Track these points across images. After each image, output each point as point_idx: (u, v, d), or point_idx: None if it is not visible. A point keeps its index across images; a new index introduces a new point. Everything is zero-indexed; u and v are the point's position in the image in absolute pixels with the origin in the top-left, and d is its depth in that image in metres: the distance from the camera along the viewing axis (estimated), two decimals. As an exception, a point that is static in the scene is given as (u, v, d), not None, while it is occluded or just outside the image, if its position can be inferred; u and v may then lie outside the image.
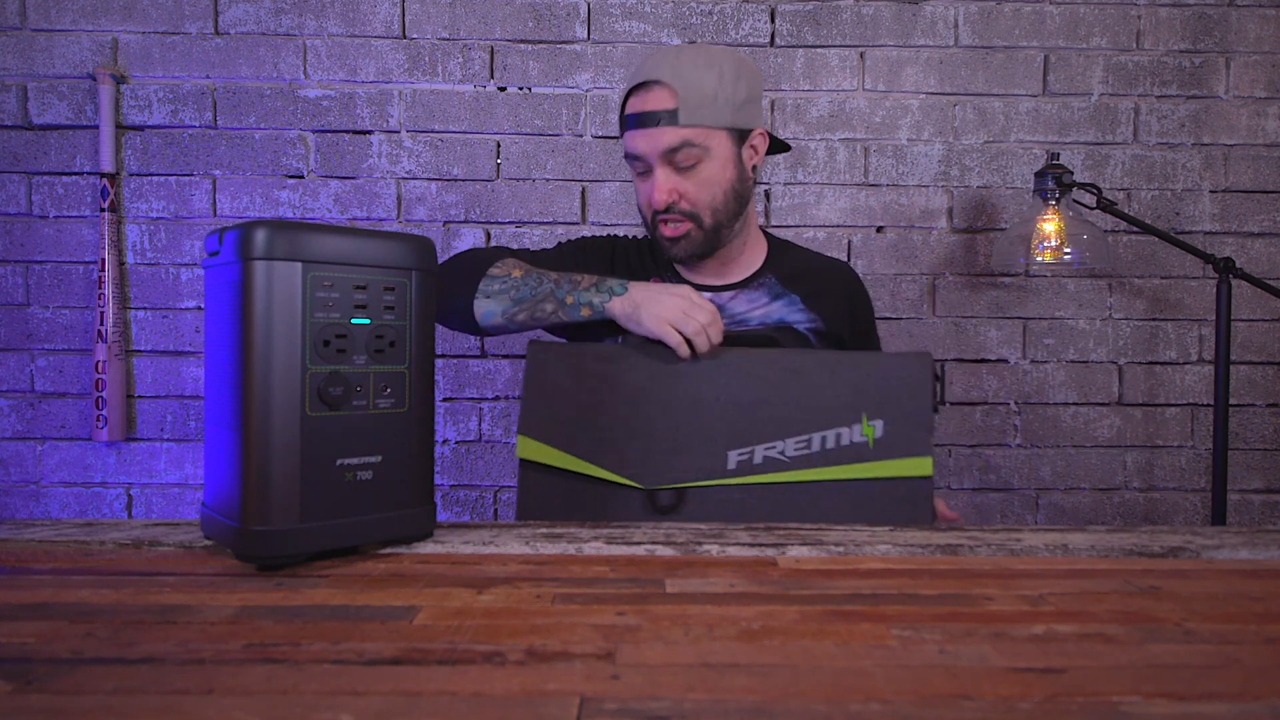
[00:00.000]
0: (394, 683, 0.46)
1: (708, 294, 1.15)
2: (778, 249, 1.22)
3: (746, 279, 1.17)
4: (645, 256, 1.23)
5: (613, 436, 0.97)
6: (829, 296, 1.16)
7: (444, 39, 1.82)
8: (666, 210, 1.08)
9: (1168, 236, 1.63)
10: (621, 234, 1.29)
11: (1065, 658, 0.50)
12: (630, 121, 1.07)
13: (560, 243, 1.24)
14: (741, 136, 1.10)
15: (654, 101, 1.04)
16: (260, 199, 1.82)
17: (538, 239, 1.83)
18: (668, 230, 1.10)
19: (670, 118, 1.03)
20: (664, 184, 1.06)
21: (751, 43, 1.83)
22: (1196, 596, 0.63)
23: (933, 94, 1.85)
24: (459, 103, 1.82)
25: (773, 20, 1.84)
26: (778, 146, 1.20)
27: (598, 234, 1.28)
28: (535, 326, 1.10)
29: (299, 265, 0.67)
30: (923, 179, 1.85)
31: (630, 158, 1.10)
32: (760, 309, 1.14)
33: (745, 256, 1.18)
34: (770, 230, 1.86)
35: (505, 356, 1.85)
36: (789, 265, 1.19)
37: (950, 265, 1.86)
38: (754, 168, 1.14)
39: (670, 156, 1.06)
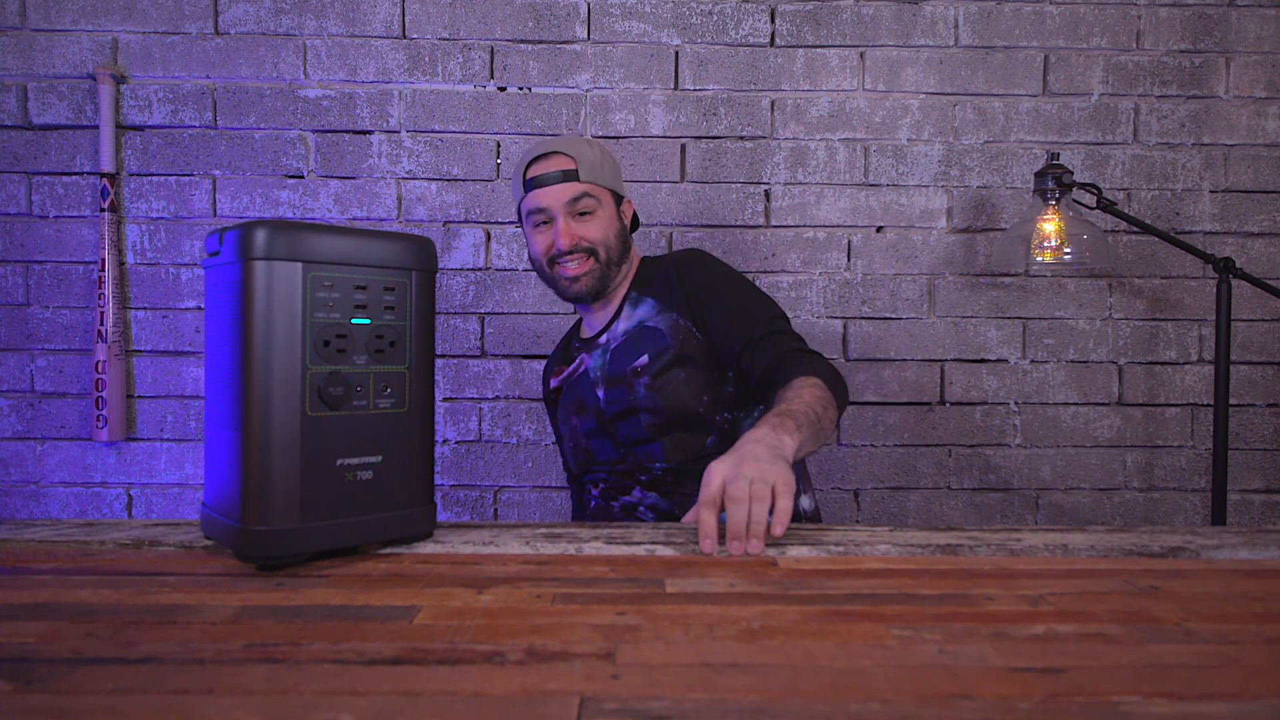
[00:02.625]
0: (394, 683, 0.46)
1: (600, 338, 1.32)
2: (641, 268, 1.37)
3: (618, 308, 1.34)
4: (560, 350, 1.46)
5: None
6: (662, 281, 1.31)
7: (444, 39, 1.82)
8: (570, 251, 1.26)
9: (1168, 236, 1.63)
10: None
11: (1065, 658, 0.50)
12: (535, 182, 1.27)
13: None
14: (618, 200, 1.33)
15: (556, 164, 1.27)
16: (260, 199, 1.82)
17: (538, 239, 1.83)
18: (568, 270, 1.27)
19: (571, 175, 1.26)
20: (566, 229, 1.26)
21: (751, 43, 1.84)
22: (1196, 596, 0.63)
23: (933, 94, 1.85)
24: (459, 103, 1.82)
25: (773, 20, 1.84)
26: (634, 224, 1.42)
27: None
28: None
29: (299, 265, 0.67)
30: (923, 179, 1.85)
31: (532, 213, 1.29)
32: (625, 323, 1.31)
33: (620, 291, 1.35)
34: (770, 230, 1.86)
35: (505, 356, 1.85)
36: (644, 276, 1.34)
37: (950, 265, 1.86)
38: (626, 228, 1.35)
39: (572, 206, 1.26)
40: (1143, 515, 1.87)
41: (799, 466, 1.31)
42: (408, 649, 0.50)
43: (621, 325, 1.32)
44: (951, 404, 1.86)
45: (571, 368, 1.38)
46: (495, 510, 1.86)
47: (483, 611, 0.58)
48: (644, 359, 1.25)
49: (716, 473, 0.83)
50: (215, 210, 1.82)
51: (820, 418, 1.04)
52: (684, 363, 1.24)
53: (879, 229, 1.86)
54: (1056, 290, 1.86)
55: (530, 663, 0.48)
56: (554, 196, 1.26)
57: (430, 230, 1.82)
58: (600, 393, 1.29)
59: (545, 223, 1.29)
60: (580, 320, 1.45)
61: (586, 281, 1.28)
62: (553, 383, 1.44)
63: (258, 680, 0.46)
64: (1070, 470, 1.87)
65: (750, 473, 0.81)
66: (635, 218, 1.43)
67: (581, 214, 1.28)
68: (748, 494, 0.79)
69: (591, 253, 1.28)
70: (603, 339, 1.33)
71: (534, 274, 1.84)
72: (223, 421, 0.68)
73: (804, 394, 1.06)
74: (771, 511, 0.79)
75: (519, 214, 1.33)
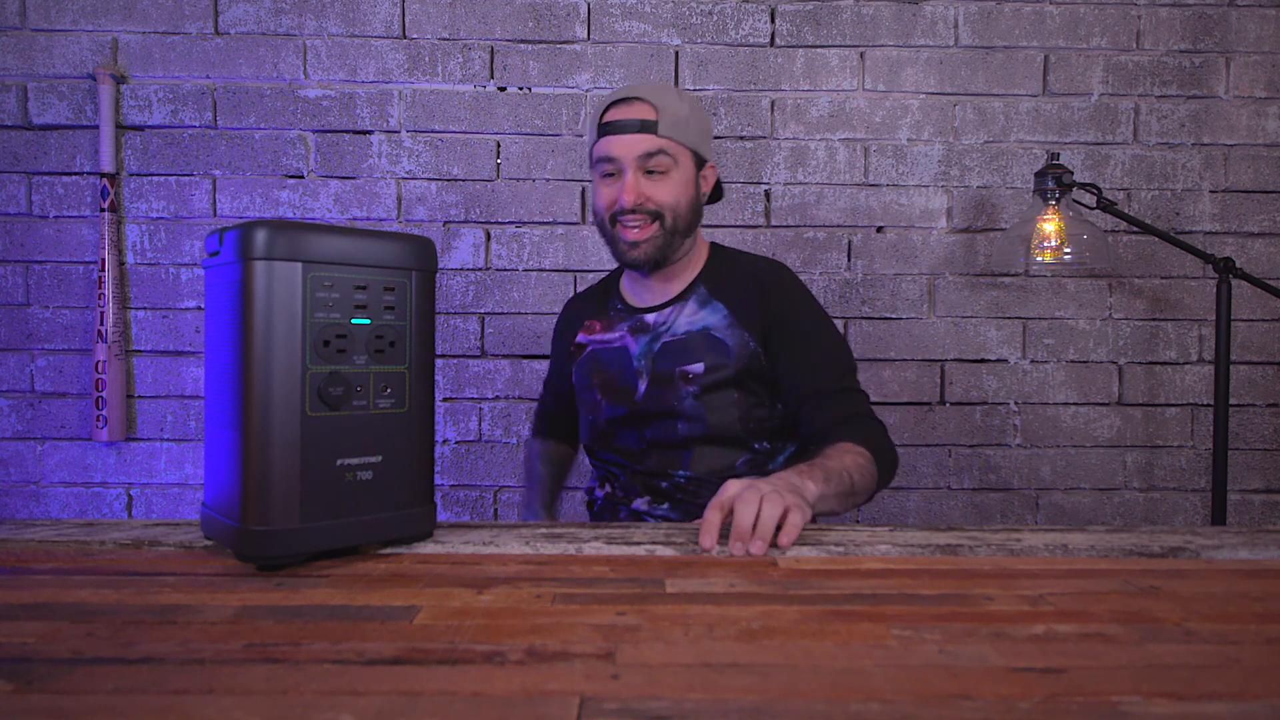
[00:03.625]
0: (394, 683, 0.46)
1: (651, 315, 1.23)
2: (715, 259, 1.27)
3: (681, 293, 1.24)
4: (594, 299, 1.35)
5: None
6: (742, 291, 1.21)
7: (444, 39, 1.82)
8: (633, 211, 1.15)
9: (1168, 236, 1.63)
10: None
11: (1065, 658, 0.50)
12: (609, 127, 1.16)
13: (550, 360, 1.45)
14: (700, 163, 1.21)
15: (636, 112, 1.15)
16: (260, 199, 1.82)
17: (538, 238, 1.83)
18: (629, 234, 1.17)
19: (650, 127, 1.14)
20: (634, 186, 1.15)
21: (751, 43, 1.83)
22: (1196, 596, 0.63)
23: (933, 94, 1.85)
24: (459, 103, 1.82)
25: (773, 20, 1.84)
26: (717, 194, 1.31)
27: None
28: None
29: (299, 265, 0.67)
30: (923, 179, 1.85)
31: (601, 161, 1.17)
32: (688, 318, 1.21)
33: (684, 274, 1.25)
34: (770, 230, 1.85)
35: (505, 356, 1.85)
36: (720, 273, 1.25)
37: (950, 265, 1.86)
38: (704, 195, 1.25)
39: (644, 161, 1.15)
40: (1143, 515, 1.87)
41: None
42: (408, 649, 0.50)
43: (684, 320, 1.21)
44: (951, 404, 1.86)
45: (609, 337, 1.27)
46: (495, 510, 1.86)
47: (483, 611, 0.58)
48: (699, 367, 1.17)
49: (733, 484, 0.83)
50: (215, 210, 1.82)
51: (854, 483, 1.00)
52: (740, 385, 1.17)
53: (879, 229, 1.86)
54: (1056, 290, 1.86)
55: (530, 663, 0.48)
56: (626, 147, 1.14)
57: (430, 230, 1.82)
58: (641, 385, 1.20)
59: (613, 174, 1.17)
60: (621, 272, 1.33)
61: (646, 249, 1.17)
62: (580, 338, 1.31)
63: (258, 680, 0.46)
64: (1070, 470, 1.87)
65: (766, 489, 0.81)
66: (719, 187, 1.30)
67: (653, 172, 1.15)
68: (759, 501, 0.79)
69: (657, 217, 1.16)
70: (652, 319, 1.23)
71: (534, 274, 1.84)
72: (223, 421, 0.68)
73: (845, 458, 1.02)
74: (781, 525, 0.79)
75: (590, 159, 1.22)
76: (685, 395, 1.17)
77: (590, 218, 1.83)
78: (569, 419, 1.43)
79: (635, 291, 1.29)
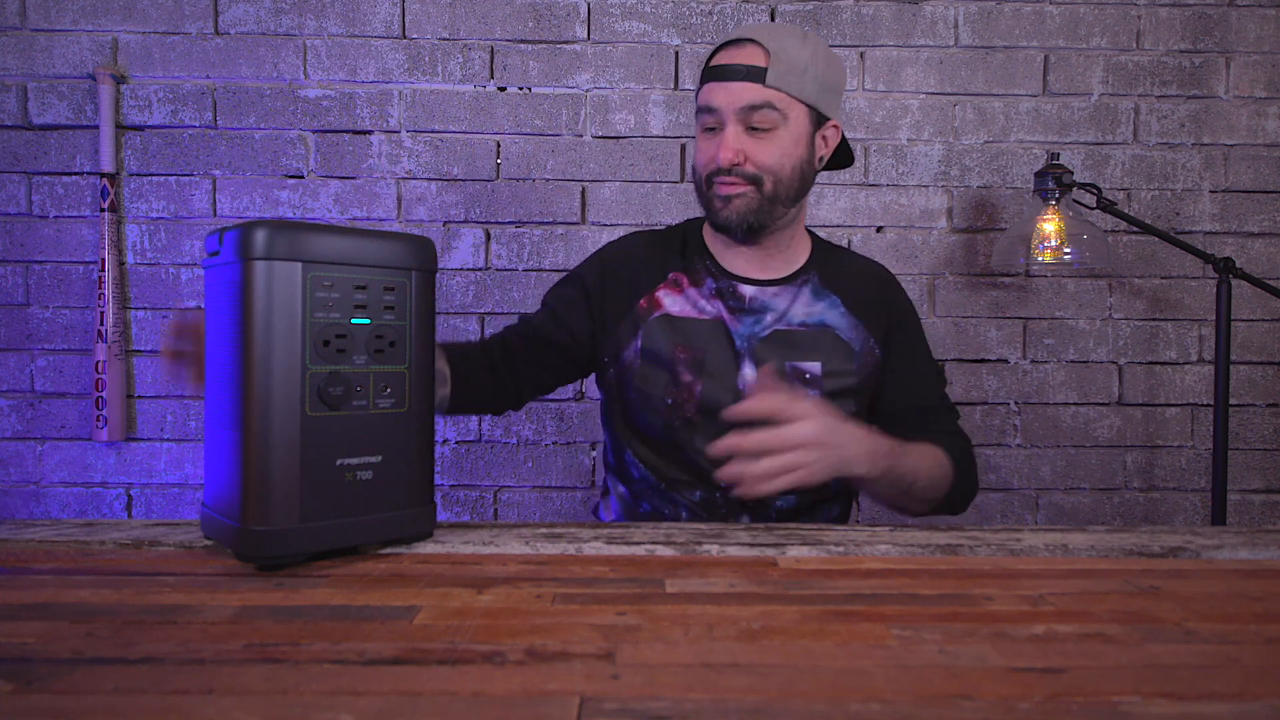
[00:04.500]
0: (394, 683, 0.46)
1: (749, 288, 1.08)
2: (821, 249, 1.14)
3: (790, 275, 1.09)
4: (672, 246, 1.13)
5: None
6: (868, 300, 1.10)
7: (444, 39, 1.82)
8: (729, 171, 1.00)
9: (1168, 236, 1.63)
10: (623, 233, 1.24)
11: (1065, 658, 0.50)
12: (714, 73, 1.01)
13: (548, 300, 1.17)
14: (819, 121, 1.04)
15: (744, 56, 0.99)
16: (260, 199, 1.82)
17: (538, 238, 1.83)
18: (723, 189, 1.01)
19: (758, 75, 0.98)
20: (733, 142, 0.99)
21: (751, 43, 1.83)
22: (1196, 596, 0.63)
23: (933, 94, 1.85)
24: (459, 103, 1.82)
25: (773, 20, 1.84)
26: (842, 158, 1.13)
27: (602, 244, 1.21)
28: None
29: (299, 265, 0.67)
30: (923, 179, 1.85)
31: (703, 111, 1.03)
32: (804, 308, 1.07)
33: (789, 252, 1.10)
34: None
35: (505, 356, 1.85)
36: (832, 266, 1.12)
37: (950, 265, 1.86)
38: (820, 159, 1.07)
39: (747, 115, 0.99)
40: (1143, 515, 1.87)
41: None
42: (408, 649, 0.50)
43: (799, 308, 1.07)
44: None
45: (699, 304, 1.07)
46: (495, 510, 1.86)
47: (483, 611, 0.58)
48: (816, 367, 1.04)
49: (807, 421, 0.82)
50: (215, 210, 1.82)
51: (917, 482, 0.95)
52: (858, 395, 1.06)
53: (879, 229, 1.86)
54: (1056, 290, 1.86)
55: (530, 663, 0.48)
56: (729, 96, 0.99)
57: (430, 230, 1.82)
58: (746, 373, 1.04)
59: (713, 128, 1.03)
60: (704, 223, 1.14)
61: (740, 206, 1.01)
62: (661, 297, 1.08)
63: (258, 680, 0.46)
64: (1070, 470, 1.87)
65: (818, 450, 0.83)
66: (846, 148, 1.12)
67: (756, 129, 1.00)
68: (786, 461, 0.81)
69: (754, 180, 1.01)
70: (751, 294, 1.07)
71: (534, 274, 1.84)
72: (222, 421, 0.68)
73: (925, 458, 0.97)
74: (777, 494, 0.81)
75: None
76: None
77: (590, 218, 1.83)
78: (513, 372, 1.12)
79: (726, 255, 1.10)
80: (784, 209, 1.04)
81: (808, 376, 1.04)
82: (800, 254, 1.11)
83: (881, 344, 1.08)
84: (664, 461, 1.08)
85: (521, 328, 1.14)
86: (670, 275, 1.10)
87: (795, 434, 0.82)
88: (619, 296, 1.10)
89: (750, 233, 1.04)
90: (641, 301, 1.09)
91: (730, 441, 0.82)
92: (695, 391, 1.04)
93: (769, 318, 1.06)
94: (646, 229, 1.19)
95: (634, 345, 1.07)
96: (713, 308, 1.07)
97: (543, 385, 1.15)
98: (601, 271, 1.13)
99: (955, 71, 1.84)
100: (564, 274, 1.28)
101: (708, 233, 1.12)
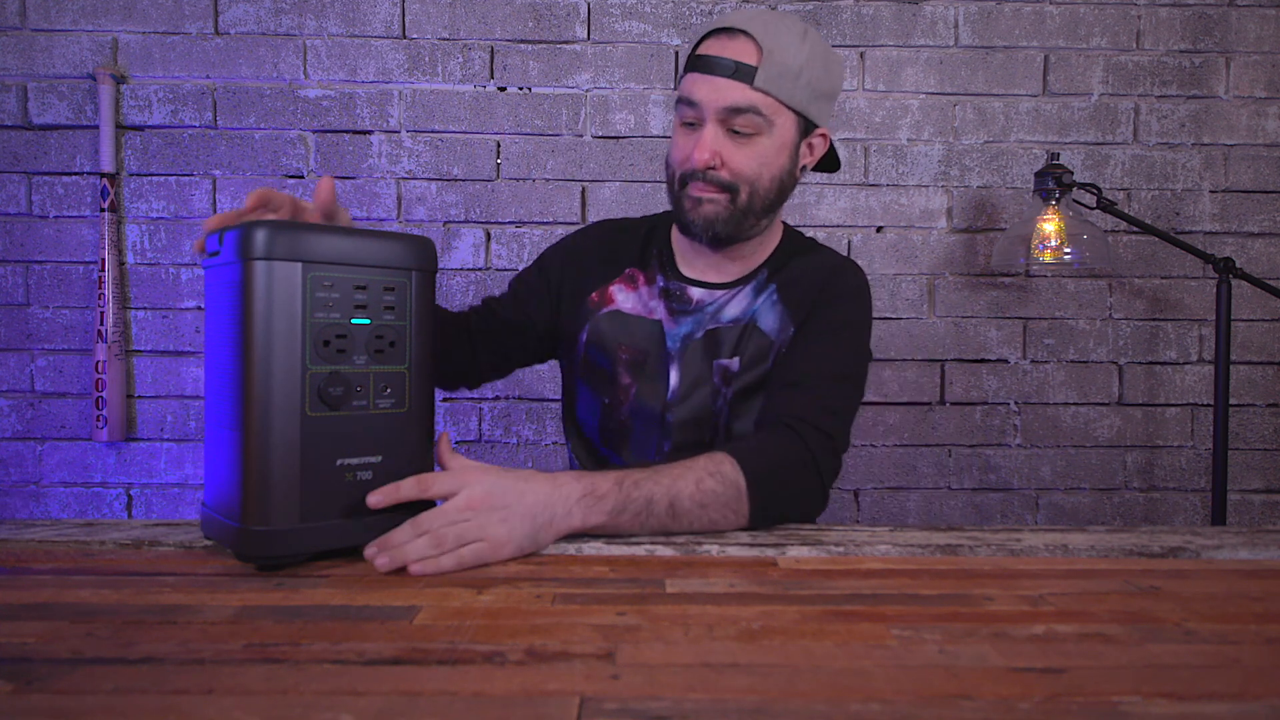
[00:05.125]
0: (394, 683, 0.46)
1: (698, 290, 1.03)
2: (787, 249, 1.07)
3: (742, 277, 1.04)
4: (637, 240, 1.08)
5: None
6: (803, 286, 1.02)
7: (444, 39, 1.82)
8: (703, 174, 0.94)
9: (1168, 236, 1.63)
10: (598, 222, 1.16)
11: (1065, 658, 0.50)
12: (700, 63, 0.92)
13: (512, 283, 1.13)
14: (806, 129, 0.98)
15: (734, 50, 0.91)
16: (260, 199, 1.81)
17: (538, 239, 1.83)
18: (695, 191, 0.95)
19: (746, 74, 0.90)
20: (710, 143, 0.92)
21: (751, 43, 1.83)
22: (1196, 596, 0.63)
23: (933, 94, 1.85)
24: (459, 103, 1.82)
25: (773, 20, 1.84)
26: (828, 162, 1.08)
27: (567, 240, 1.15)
28: None
29: (299, 265, 0.67)
30: (923, 179, 1.85)
31: (683, 103, 0.94)
32: (738, 306, 1.02)
33: (752, 257, 1.05)
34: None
35: (505, 356, 1.85)
36: (791, 265, 1.05)
37: (950, 265, 1.86)
38: (803, 169, 1.01)
39: (729, 117, 0.92)
40: (1143, 515, 1.87)
41: None
42: (408, 649, 0.50)
43: (733, 307, 1.02)
44: (951, 404, 1.86)
45: (645, 301, 1.03)
46: (495, 510, 1.86)
47: (483, 611, 0.58)
48: (735, 363, 0.99)
49: (465, 491, 0.70)
50: (215, 210, 1.82)
51: (677, 513, 0.78)
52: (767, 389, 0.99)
53: (879, 229, 1.86)
54: (1056, 290, 1.86)
55: (530, 663, 0.48)
56: (712, 92, 0.91)
57: (430, 230, 1.82)
58: (673, 376, 0.99)
59: (692, 124, 0.95)
60: (672, 224, 1.08)
61: (707, 213, 0.95)
62: (615, 292, 1.04)
63: (258, 680, 0.46)
64: (1070, 470, 1.87)
65: (485, 514, 0.69)
66: (833, 155, 1.06)
67: (738, 132, 0.92)
68: (444, 538, 0.67)
69: (729, 189, 0.94)
70: (699, 296, 1.02)
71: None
72: (222, 421, 0.68)
73: (689, 480, 0.79)
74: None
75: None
76: (720, 397, 0.98)
77: (590, 218, 1.83)
78: (471, 350, 1.08)
79: (687, 256, 1.05)
80: (756, 220, 0.98)
81: (730, 370, 0.99)
82: (763, 254, 1.06)
83: (799, 325, 0.99)
84: (594, 464, 1.04)
85: (483, 308, 1.11)
86: (627, 270, 1.06)
87: (452, 507, 0.70)
88: (575, 287, 1.08)
89: (716, 242, 0.98)
90: (594, 295, 1.06)
91: (381, 535, 0.71)
92: (630, 394, 1.01)
93: (707, 319, 1.02)
94: (623, 217, 1.16)
95: (581, 339, 1.05)
96: (657, 308, 1.03)
97: (497, 367, 1.11)
98: (564, 260, 1.10)
99: (955, 71, 1.84)
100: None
101: (675, 230, 1.08)
